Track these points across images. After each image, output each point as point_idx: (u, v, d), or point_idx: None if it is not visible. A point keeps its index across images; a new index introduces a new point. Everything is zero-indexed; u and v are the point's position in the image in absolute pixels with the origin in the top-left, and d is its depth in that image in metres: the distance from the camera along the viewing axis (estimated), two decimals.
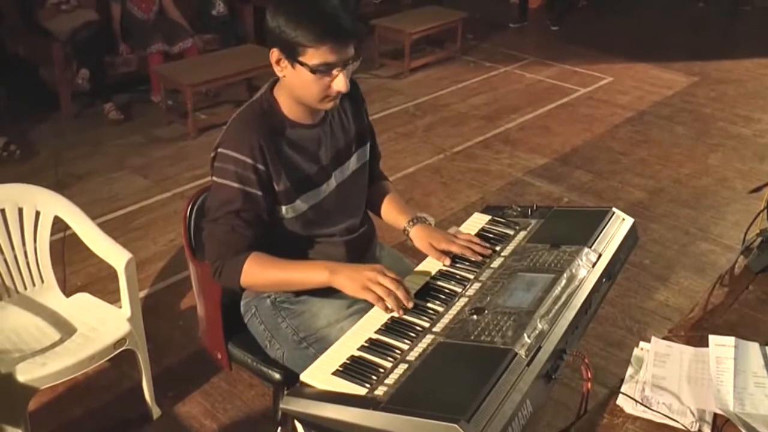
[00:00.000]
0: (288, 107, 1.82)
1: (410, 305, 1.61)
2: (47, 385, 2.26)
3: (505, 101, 5.78)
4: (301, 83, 1.71)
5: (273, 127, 1.80)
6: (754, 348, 1.58)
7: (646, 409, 1.45)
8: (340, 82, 1.71)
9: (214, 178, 1.79)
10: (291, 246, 1.86)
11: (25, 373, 2.19)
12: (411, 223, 1.94)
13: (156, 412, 2.64)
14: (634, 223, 1.89)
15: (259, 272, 1.75)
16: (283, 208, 1.82)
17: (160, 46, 5.32)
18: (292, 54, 1.67)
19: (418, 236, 1.91)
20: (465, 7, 7.05)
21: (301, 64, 1.67)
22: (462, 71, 6.45)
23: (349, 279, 1.66)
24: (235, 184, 1.75)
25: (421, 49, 6.68)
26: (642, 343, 1.64)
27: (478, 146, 4.97)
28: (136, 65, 5.38)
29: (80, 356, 2.28)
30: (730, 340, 1.56)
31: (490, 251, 1.82)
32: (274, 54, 1.71)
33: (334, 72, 1.70)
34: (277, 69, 1.74)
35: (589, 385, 1.46)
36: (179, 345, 3.01)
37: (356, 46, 1.72)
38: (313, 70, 1.67)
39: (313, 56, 1.66)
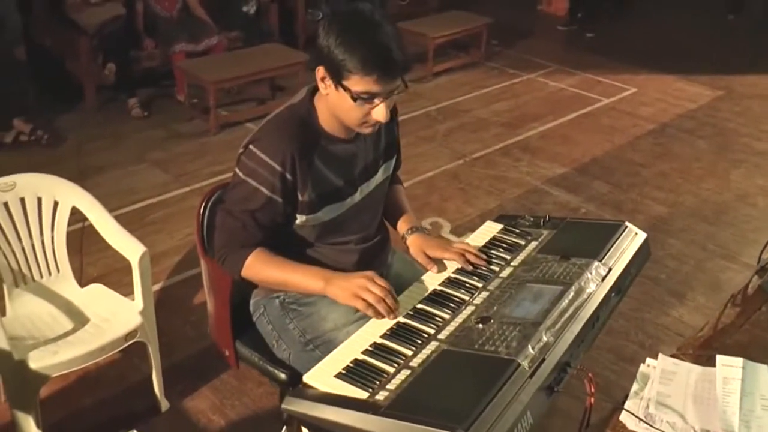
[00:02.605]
0: (325, 120, 1.80)
1: (395, 314, 1.62)
2: (58, 373, 2.29)
3: (526, 109, 5.76)
4: (341, 106, 1.70)
5: (308, 138, 1.78)
6: (763, 370, 1.57)
7: (649, 426, 1.44)
8: (379, 113, 1.69)
9: (239, 172, 1.78)
10: (302, 249, 1.87)
11: (37, 361, 2.22)
12: (410, 232, 1.96)
13: (165, 405, 2.66)
14: (646, 239, 1.89)
15: (260, 269, 1.77)
16: (304, 217, 1.82)
17: (185, 46, 5.37)
18: (338, 77, 1.65)
19: (414, 244, 1.93)
20: (492, 13, 7.04)
21: (345, 88, 1.65)
22: (485, 77, 6.44)
23: (341, 288, 1.68)
24: (259, 186, 1.75)
25: (445, 54, 6.66)
26: (649, 360, 1.63)
27: (497, 153, 4.96)
28: (161, 60, 5.42)
29: (91, 346, 2.31)
30: (738, 361, 1.54)
31: (484, 261, 1.82)
32: (320, 71, 1.69)
33: (376, 101, 1.68)
34: (321, 86, 1.72)
35: (592, 399, 1.45)
36: (190, 340, 3.03)
37: (403, 77, 1.70)
38: (355, 98, 1.65)
39: (358, 84, 1.64)
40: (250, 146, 1.77)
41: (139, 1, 5.31)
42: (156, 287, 3.33)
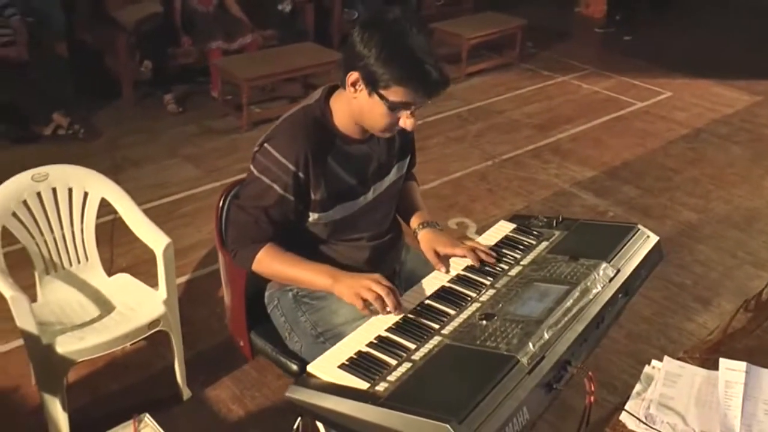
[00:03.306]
0: (341, 121, 1.83)
1: (397, 314, 1.65)
2: (84, 359, 2.36)
3: (559, 111, 5.73)
4: (370, 111, 1.72)
5: (323, 138, 1.81)
6: (767, 375, 1.56)
7: (649, 427, 1.45)
8: (409, 123, 1.73)
9: (253, 169, 1.83)
10: (314, 245, 1.91)
11: (64, 345, 2.30)
12: (421, 227, 1.98)
13: (186, 393, 2.73)
14: (659, 241, 1.88)
15: (270, 264, 1.82)
16: (316, 215, 1.86)
17: (221, 44, 5.46)
18: (374, 85, 1.67)
19: (424, 239, 1.96)
20: (529, 15, 7.01)
21: (380, 96, 1.67)
22: (518, 78, 6.42)
23: (346, 287, 1.72)
24: (272, 184, 1.79)
25: (479, 55, 6.67)
26: (654, 362, 1.64)
27: (527, 155, 4.95)
28: (196, 57, 5.52)
29: (116, 333, 2.38)
30: (741, 365, 1.54)
31: (494, 259, 1.84)
32: (353, 76, 1.69)
33: (407, 111, 1.71)
34: (350, 90, 1.73)
35: (592, 398, 1.46)
36: (214, 331, 3.09)
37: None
38: (391, 106, 1.68)
39: (395, 94, 1.66)
40: (265, 144, 1.81)
41: None
42: (183, 279, 3.41)
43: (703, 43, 7.59)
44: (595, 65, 6.76)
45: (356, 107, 1.75)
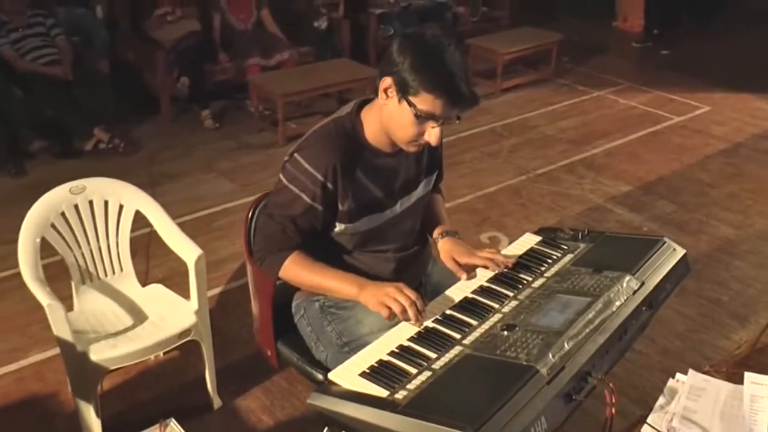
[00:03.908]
0: (371, 133, 1.86)
1: (418, 325, 1.66)
2: (116, 366, 2.42)
3: (594, 126, 5.70)
4: (398, 119, 1.75)
5: (352, 149, 1.84)
6: None
7: None
8: (433, 136, 1.75)
9: (283, 179, 1.87)
10: (340, 255, 1.94)
11: (97, 353, 2.36)
12: (441, 236, 1.99)
13: (217, 402, 2.77)
14: (685, 254, 1.87)
15: (297, 272, 1.84)
16: (343, 225, 1.88)
17: (258, 60, 5.56)
18: (405, 90, 1.69)
19: (444, 249, 1.98)
20: (566, 29, 6.99)
21: (409, 103, 1.70)
22: (553, 94, 6.41)
23: (371, 295, 1.74)
24: (300, 193, 1.82)
25: (515, 70, 6.67)
26: (678, 375, 1.62)
27: (561, 170, 4.93)
28: (234, 74, 5.63)
29: (147, 342, 2.43)
30: (767, 378, 1.52)
31: (511, 266, 1.85)
32: (386, 82, 1.72)
33: (433, 123, 1.73)
34: (381, 96, 1.75)
35: (614, 410, 1.45)
36: (245, 342, 3.12)
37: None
38: (417, 115, 1.70)
39: (424, 102, 1.69)
40: (295, 155, 1.84)
41: (216, 14, 5.54)
42: (216, 291, 3.47)
43: (743, 56, 7.48)
44: (632, 80, 6.71)
45: (386, 115, 1.78)
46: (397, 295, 1.68)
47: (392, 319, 1.70)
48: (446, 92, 1.67)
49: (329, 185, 1.81)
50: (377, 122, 1.83)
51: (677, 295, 3.46)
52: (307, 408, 2.77)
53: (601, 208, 4.40)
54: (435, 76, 1.66)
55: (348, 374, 1.50)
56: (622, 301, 1.64)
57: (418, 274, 2.07)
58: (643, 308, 1.67)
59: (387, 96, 1.74)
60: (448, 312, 1.71)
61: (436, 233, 2.05)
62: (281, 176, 1.88)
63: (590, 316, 1.57)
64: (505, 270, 1.86)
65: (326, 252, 1.89)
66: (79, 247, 2.62)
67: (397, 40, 1.72)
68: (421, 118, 1.71)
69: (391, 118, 1.77)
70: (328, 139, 1.84)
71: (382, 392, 1.42)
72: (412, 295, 1.68)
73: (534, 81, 6.65)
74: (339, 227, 1.88)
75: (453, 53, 1.67)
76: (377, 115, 1.82)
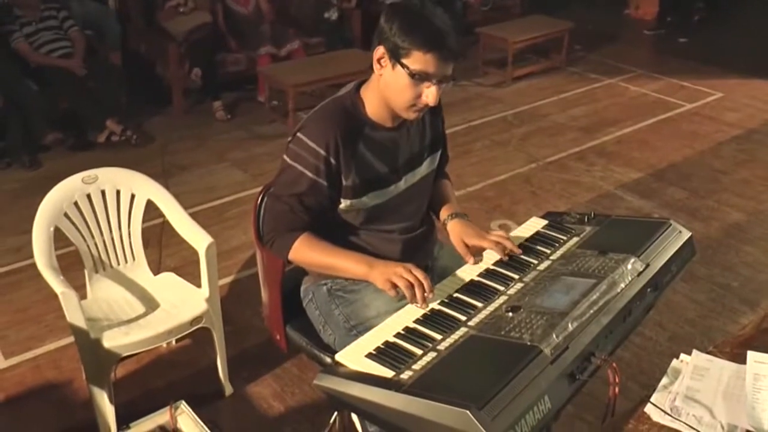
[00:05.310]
0: (372, 108, 1.89)
1: (424, 306, 1.67)
2: (129, 353, 2.47)
3: (605, 113, 5.68)
4: (395, 85, 1.78)
5: (353, 125, 1.88)
6: None
7: (674, 419, 1.45)
8: (431, 95, 1.78)
9: (287, 158, 1.90)
10: (346, 235, 1.96)
11: (110, 340, 2.40)
12: (450, 218, 2.01)
13: (228, 389, 2.80)
14: (691, 237, 1.87)
15: (307, 252, 1.87)
16: (348, 201, 1.91)
17: (269, 48, 5.58)
18: (397, 54, 1.74)
19: (453, 230, 1.99)
20: (577, 18, 6.96)
21: (403, 66, 1.74)
22: (565, 82, 6.39)
23: (380, 273, 1.75)
24: (304, 170, 1.85)
25: (526, 59, 6.65)
26: (682, 355, 1.63)
27: (572, 157, 4.92)
28: (245, 65, 5.65)
29: (159, 330, 2.47)
30: None
31: (520, 251, 1.86)
32: (379, 51, 1.77)
33: (429, 83, 1.76)
34: (376, 66, 1.80)
35: (617, 389, 1.47)
36: (257, 330, 3.15)
37: (454, 69, 1.79)
38: (412, 74, 1.74)
39: (416, 61, 1.73)
40: (298, 134, 1.88)
41: (218, 3, 5.56)
42: (228, 279, 3.50)
43: (758, 42, 7.40)
44: (643, 67, 6.67)
45: (383, 84, 1.82)
46: (405, 274, 1.70)
47: (398, 298, 1.71)
48: (436, 47, 1.71)
49: (331, 159, 1.84)
50: (376, 96, 1.86)
51: (687, 281, 3.46)
52: (318, 394, 2.83)
53: (612, 195, 4.40)
54: (423, 34, 1.71)
55: (354, 355, 1.52)
56: (627, 282, 1.65)
57: (424, 258, 2.08)
58: (648, 290, 1.68)
59: (381, 66, 1.79)
60: (454, 294, 1.72)
61: (444, 214, 2.06)
62: (285, 156, 1.91)
63: (594, 297, 1.58)
64: (514, 254, 1.86)
65: (334, 233, 1.91)
66: (92, 236, 2.65)
67: (385, 10, 1.78)
68: (417, 78, 1.74)
69: (387, 85, 1.80)
70: (328, 115, 1.88)
71: (387, 373, 1.44)
72: (420, 275, 1.70)
73: (545, 69, 6.63)
74: (344, 203, 1.90)
75: (437, 12, 1.74)
76: (375, 88, 1.86)
